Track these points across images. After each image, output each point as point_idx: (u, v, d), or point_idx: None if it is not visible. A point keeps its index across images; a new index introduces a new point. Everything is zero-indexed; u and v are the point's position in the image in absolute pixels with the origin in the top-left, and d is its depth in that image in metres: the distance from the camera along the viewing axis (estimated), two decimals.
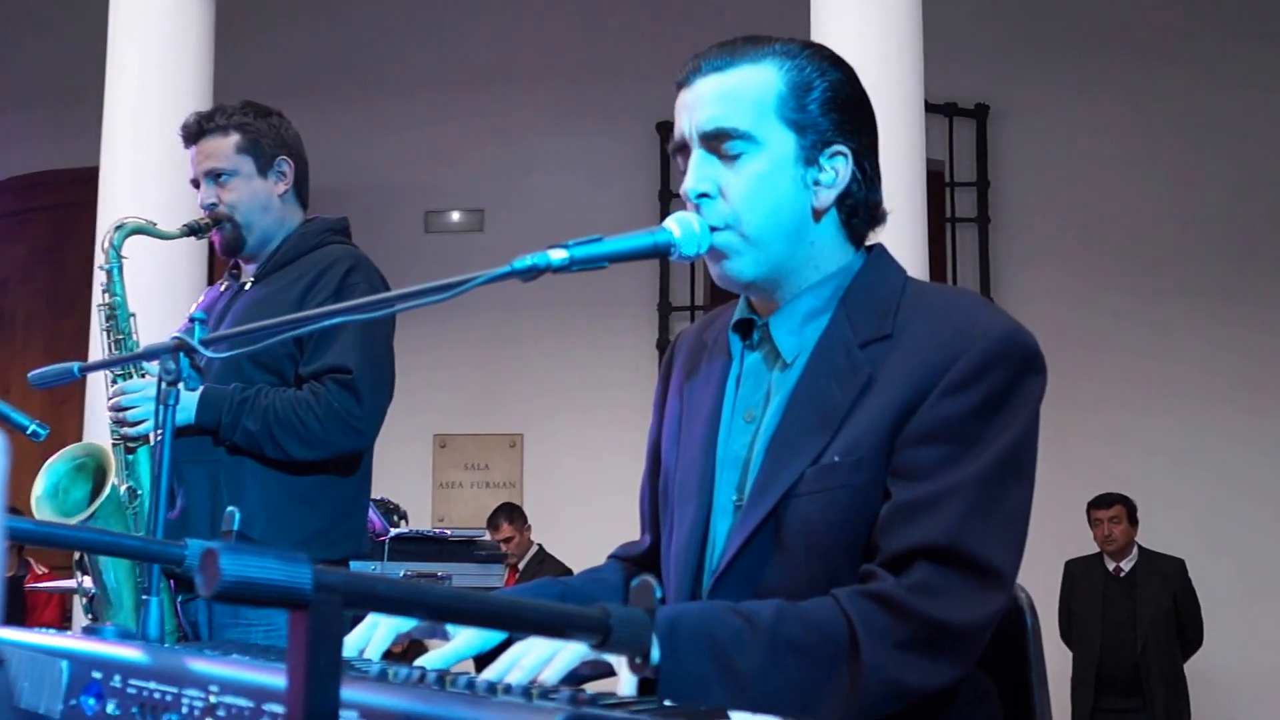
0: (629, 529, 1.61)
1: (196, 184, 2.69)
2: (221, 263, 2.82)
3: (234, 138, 2.67)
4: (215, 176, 2.66)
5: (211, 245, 2.75)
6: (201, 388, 2.51)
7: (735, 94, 1.40)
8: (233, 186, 2.66)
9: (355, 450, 2.57)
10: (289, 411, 2.49)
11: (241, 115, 2.70)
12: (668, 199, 7.37)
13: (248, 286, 2.68)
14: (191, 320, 1.74)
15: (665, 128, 7.16)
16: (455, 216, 7.72)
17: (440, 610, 0.65)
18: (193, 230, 2.66)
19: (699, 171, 1.40)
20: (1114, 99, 7.24)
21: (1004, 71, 7.29)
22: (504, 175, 7.58)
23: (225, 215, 2.66)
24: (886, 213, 1.47)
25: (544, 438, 7.45)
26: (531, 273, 1.28)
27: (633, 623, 0.71)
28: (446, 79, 7.62)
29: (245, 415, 2.49)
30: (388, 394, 2.60)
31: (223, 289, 2.75)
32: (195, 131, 2.69)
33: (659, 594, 0.74)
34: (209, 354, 1.55)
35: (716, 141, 1.40)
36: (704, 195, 1.40)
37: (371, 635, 1.30)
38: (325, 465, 2.56)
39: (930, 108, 5.56)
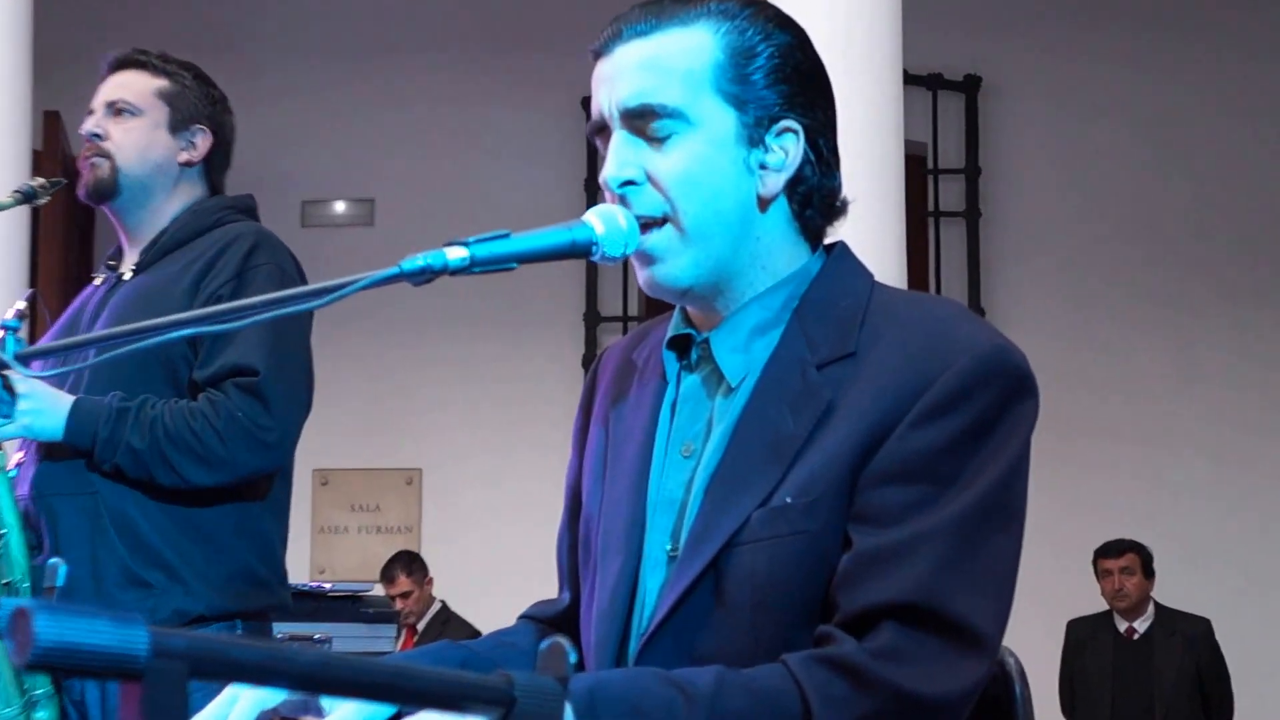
0: (552, 583, 1.62)
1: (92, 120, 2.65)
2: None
3: (160, 81, 2.68)
4: (117, 111, 2.64)
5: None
6: (74, 398, 2.44)
7: (662, 63, 1.41)
8: (131, 126, 2.63)
9: (267, 470, 2.50)
10: (182, 426, 2.41)
11: (180, 68, 2.72)
12: (595, 189, 7.38)
13: (127, 277, 2.62)
14: (3, 329, 1.69)
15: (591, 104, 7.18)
16: (339, 207, 7.72)
17: (311, 679, 0.65)
18: (27, 197, 2.62)
19: (621, 155, 1.41)
20: (1131, 72, 7.33)
21: (999, 36, 7.37)
22: (398, 159, 7.57)
23: (106, 150, 2.62)
24: (846, 201, 1.48)
25: (448, 472, 7.43)
26: (424, 275, 1.28)
27: (541, 693, 0.71)
28: (329, 46, 7.59)
29: (128, 430, 2.41)
30: (304, 399, 2.55)
31: (98, 283, 2.69)
32: (121, 61, 2.69)
33: (574, 659, 0.75)
34: (26, 372, 1.54)
35: (641, 120, 1.41)
36: (629, 183, 1.40)
37: (229, 712, 1.27)
38: (231, 491, 2.49)
39: (910, 79, 5.58)
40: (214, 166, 2.72)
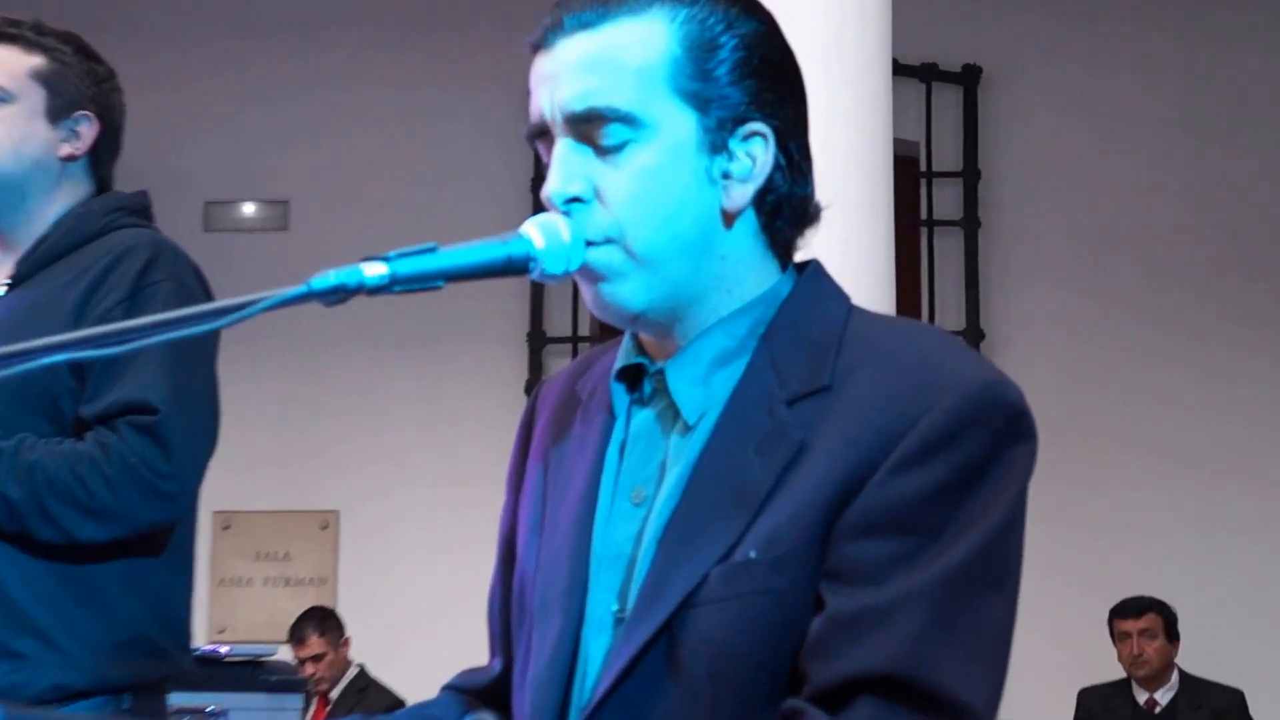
0: (484, 644, 1.62)
1: None
2: None
3: (35, 59, 2.61)
4: None
5: None
6: None
7: (611, 60, 1.41)
8: (2, 116, 2.56)
9: (165, 523, 2.45)
10: (66, 472, 2.36)
11: (59, 41, 2.64)
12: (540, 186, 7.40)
13: (0, 293, 2.57)
14: None
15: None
16: (248, 210, 7.69)
17: None
18: None
19: (566, 167, 1.41)
20: (1156, 61, 7.35)
21: (1001, 20, 7.39)
22: (317, 154, 7.55)
23: None
24: (819, 207, 1.50)
25: (369, 515, 7.40)
26: (337, 295, 1.28)
27: None
28: (237, 20, 7.57)
29: (1, 477, 2.36)
30: (209, 440, 2.51)
31: None
32: None
33: None
34: None
35: (588, 126, 1.41)
36: (574, 200, 1.41)
37: None
38: (121, 543, 2.43)
39: (901, 69, 5.59)
40: (101, 158, 2.66)
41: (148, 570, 2.48)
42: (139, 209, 2.67)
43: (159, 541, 2.49)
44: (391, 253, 1.32)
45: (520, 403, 7.20)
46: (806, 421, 1.37)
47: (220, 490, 7.47)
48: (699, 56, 1.42)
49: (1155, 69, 7.40)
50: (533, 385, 7.26)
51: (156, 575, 2.49)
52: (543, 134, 1.45)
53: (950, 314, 7.24)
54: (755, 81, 1.44)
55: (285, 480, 7.42)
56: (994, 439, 1.33)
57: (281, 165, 7.59)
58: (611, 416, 1.49)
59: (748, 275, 1.45)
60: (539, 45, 1.45)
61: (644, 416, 1.47)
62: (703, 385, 1.43)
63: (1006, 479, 1.34)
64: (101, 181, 2.68)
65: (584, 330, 7.41)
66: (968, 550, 1.31)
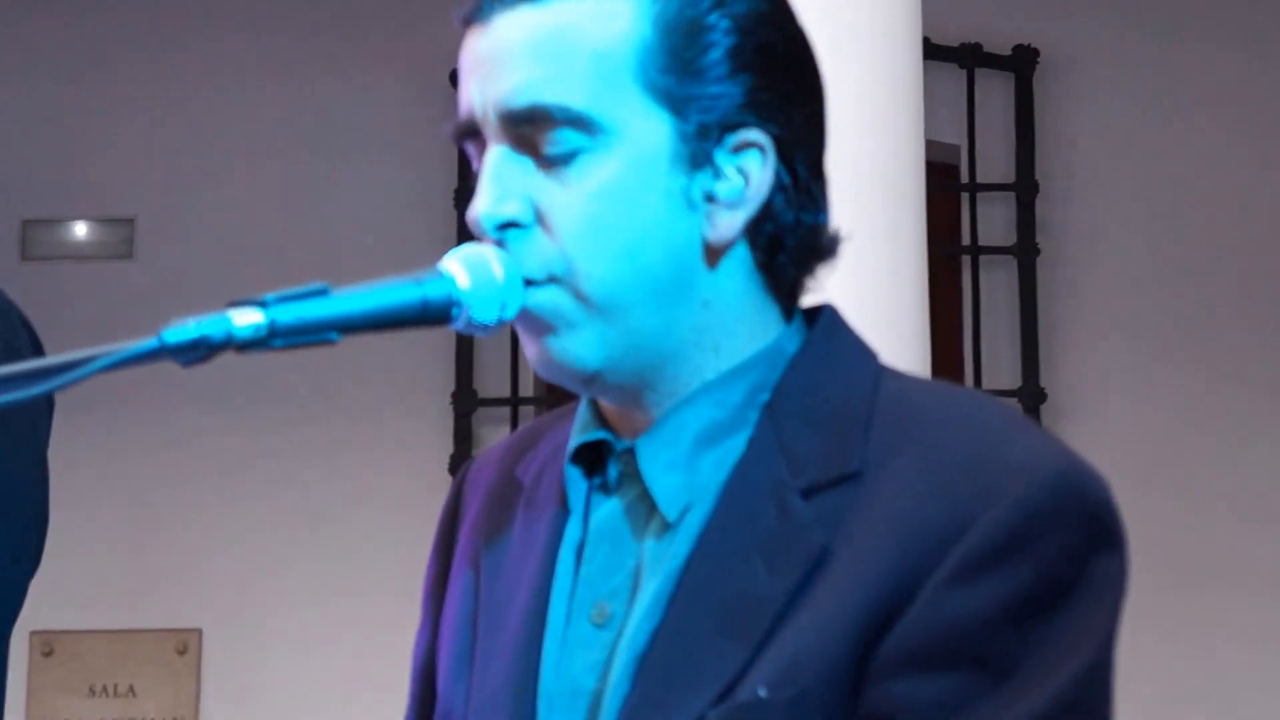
0: None
1: None
2: None
3: None
4: None
5: None
6: None
7: (563, 42, 1.43)
8: None
9: None
10: None
11: None
12: (468, 202, 7.39)
13: None
14: None
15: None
16: (79, 231, 7.67)
17: None
18: None
19: (500, 182, 1.43)
20: (1258, 41, 7.41)
21: None
22: (171, 162, 7.54)
23: None
24: (836, 239, 1.51)
25: (240, 636, 7.36)
26: (198, 351, 1.29)
27: None
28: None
29: None
30: (31, 549, 2.51)
31: None
32: None
33: None
34: None
35: (531, 128, 1.43)
36: (510, 225, 1.42)
37: None
38: None
39: (935, 52, 5.61)
40: None
41: None
42: None
43: None
44: (270, 295, 1.32)
45: (442, 486, 7.19)
46: (828, 519, 1.38)
47: (40, 605, 7.44)
48: (678, 42, 1.44)
49: (1270, 50, 7.44)
50: (459, 462, 7.26)
51: None
52: (473, 133, 1.47)
53: (1001, 369, 7.23)
54: (750, 75, 1.45)
55: (129, 591, 7.38)
56: (1077, 545, 1.34)
57: (125, 175, 7.57)
58: (565, 510, 1.50)
59: (738, 327, 1.47)
60: (471, 18, 1.47)
61: (608, 510, 1.48)
62: (686, 470, 1.44)
63: (1095, 598, 1.35)
64: None
65: (525, 390, 7.39)
66: (1050, 694, 1.31)
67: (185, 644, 7.43)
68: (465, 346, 7.40)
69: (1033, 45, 7.47)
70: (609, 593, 1.44)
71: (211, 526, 7.41)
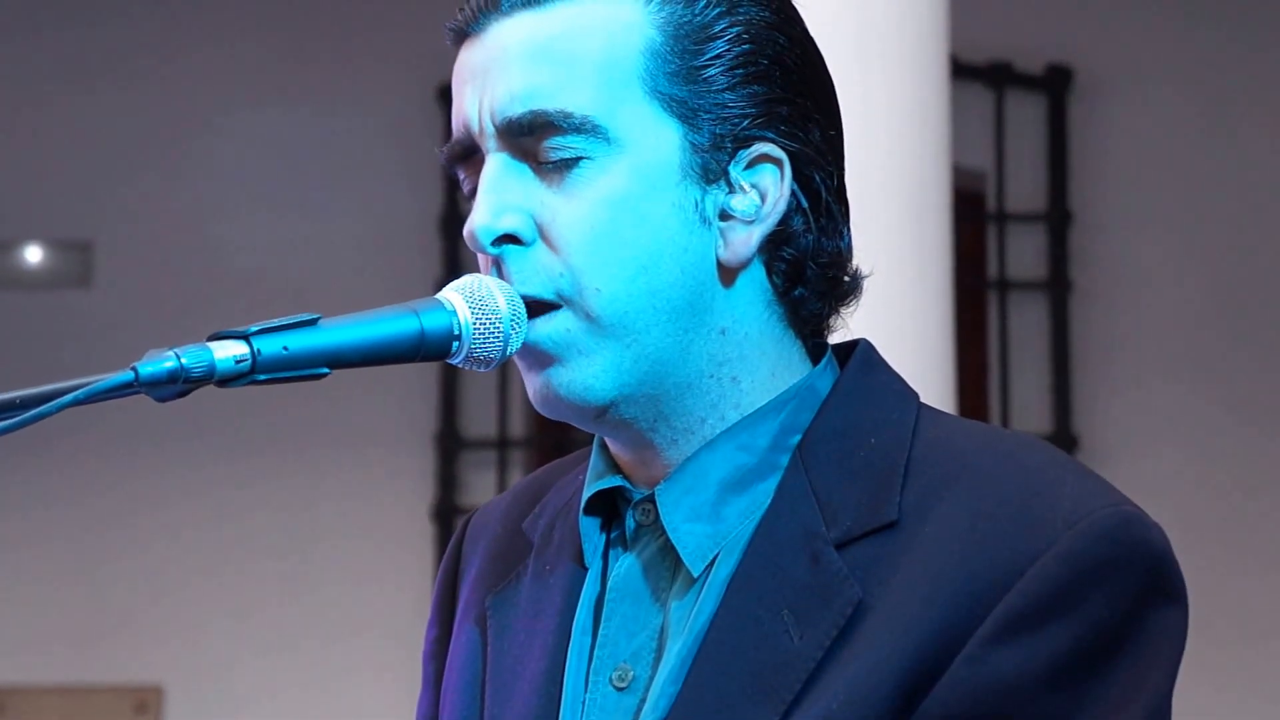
0: None
1: None
2: None
3: None
4: None
5: None
6: None
7: (564, 48, 1.45)
8: None
9: None
10: None
11: None
12: (458, 231, 7.35)
13: None
14: None
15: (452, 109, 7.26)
16: (32, 257, 7.69)
17: None
18: None
19: (498, 194, 1.44)
20: None
21: (1099, 5, 7.45)
22: (134, 182, 7.54)
23: None
24: (860, 275, 1.53)
25: (204, 695, 7.36)
26: (174, 385, 1.29)
27: None
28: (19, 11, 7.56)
29: None
30: None
31: None
32: None
33: None
34: None
35: (532, 138, 1.44)
36: (508, 239, 1.44)
37: None
38: None
39: (963, 71, 5.59)
40: None
41: None
42: None
43: None
44: (254, 326, 1.33)
45: (425, 533, 7.23)
46: (864, 571, 1.40)
47: None
48: (687, 48, 1.46)
49: None
50: (442, 508, 7.30)
51: None
52: (467, 156, 1.49)
53: (1030, 412, 7.26)
54: (764, 86, 1.48)
55: (85, 644, 7.37)
56: (1132, 597, 1.37)
57: (83, 196, 7.59)
58: (580, 565, 1.51)
59: (759, 361, 1.49)
60: (464, 31, 1.49)
61: (628, 565, 1.49)
62: (711, 519, 1.46)
63: (1152, 653, 1.37)
64: None
65: (515, 430, 7.37)
66: None
67: (144, 701, 7.45)
68: (450, 382, 7.46)
69: (1067, 64, 7.54)
70: (632, 654, 1.46)
71: (174, 579, 7.41)
